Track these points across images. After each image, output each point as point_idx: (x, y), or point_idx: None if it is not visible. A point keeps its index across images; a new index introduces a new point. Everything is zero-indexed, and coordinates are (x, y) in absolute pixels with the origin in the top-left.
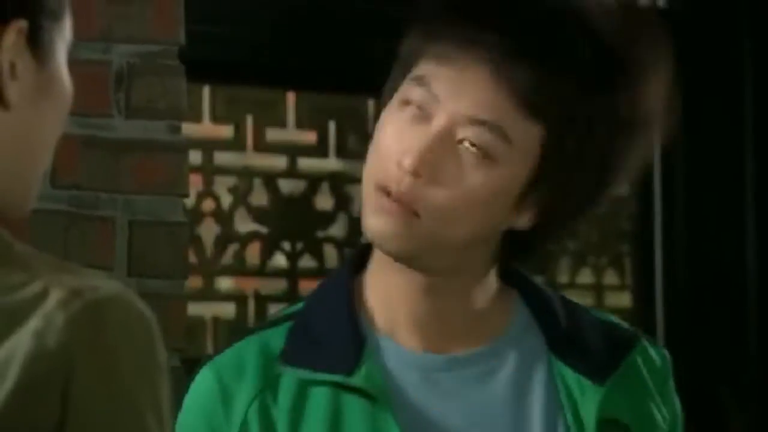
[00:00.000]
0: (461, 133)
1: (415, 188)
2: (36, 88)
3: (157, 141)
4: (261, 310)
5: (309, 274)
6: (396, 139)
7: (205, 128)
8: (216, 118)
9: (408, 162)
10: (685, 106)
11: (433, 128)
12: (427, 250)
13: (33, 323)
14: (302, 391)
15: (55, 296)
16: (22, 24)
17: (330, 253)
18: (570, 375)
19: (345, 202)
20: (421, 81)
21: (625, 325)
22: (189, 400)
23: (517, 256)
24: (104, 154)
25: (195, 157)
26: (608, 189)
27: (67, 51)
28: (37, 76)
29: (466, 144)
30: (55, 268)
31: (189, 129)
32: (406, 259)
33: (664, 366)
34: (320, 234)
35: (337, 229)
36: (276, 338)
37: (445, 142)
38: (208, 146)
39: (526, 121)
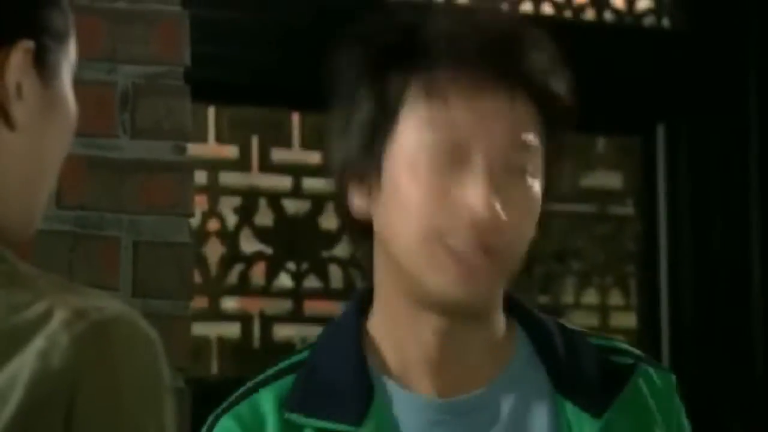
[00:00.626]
0: (503, 162)
1: (493, 233)
2: (42, 108)
3: (162, 161)
4: (266, 330)
5: (314, 294)
6: (436, 183)
7: (210, 149)
8: (221, 139)
9: (483, 217)
10: (689, 125)
11: (480, 168)
12: (499, 288)
13: (37, 344)
14: None
15: (59, 317)
16: (28, 44)
17: (335, 273)
18: (570, 408)
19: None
20: (441, 128)
21: (626, 347)
22: None
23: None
24: (109, 175)
25: (200, 177)
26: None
27: (72, 72)
28: (42, 97)
29: (508, 171)
30: (60, 289)
31: (194, 149)
32: (484, 306)
33: (667, 387)
34: (325, 254)
35: (342, 249)
36: (288, 387)
37: (497, 178)
38: (213, 166)
39: (537, 129)
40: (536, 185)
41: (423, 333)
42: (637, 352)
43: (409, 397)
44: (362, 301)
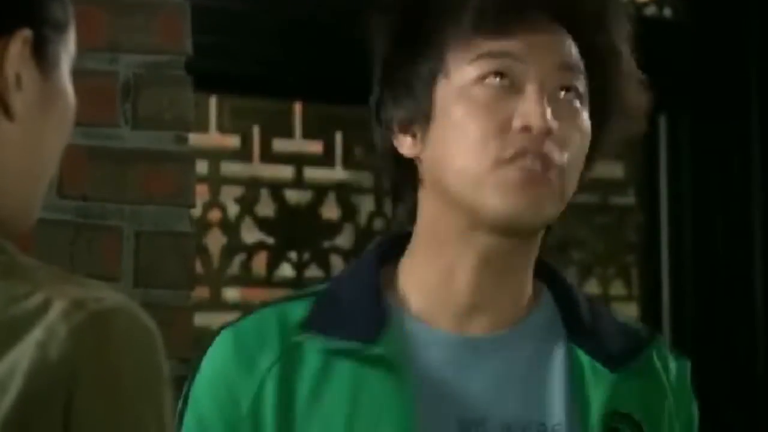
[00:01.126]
0: (557, 83)
1: (550, 144)
2: (41, 98)
3: (164, 151)
4: None
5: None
6: (496, 115)
7: (212, 138)
8: (223, 129)
9: (539, 121)
10: (692, 117)
11: (536, 86)
12: (554, 215)
13: (36, 334)
14: (325, 361)
15: (57, 307)
16: (27, 34)
17: (336, 263)
18: (586, 361)
19: (351, 212)
20: (497, 55)
21: (645, 327)
22: (207, 362)
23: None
24: (111, 165)
25: (201, 167)
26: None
27: (71, 62)
28: (41, 87)
29: (563, 92)
30: (59, 279)
31: (196, 139)
32: (536, 228)
33: (682, 376)
34: (327, 244)
35: (344, 239)
36: (297, 310)
37: (553, 98)
38: (214, 156)
39: (581, 55)
40: (585, 112)
41: (463, 267)
42: (655, 332)
43: (427, 329)
44: (384, 248)
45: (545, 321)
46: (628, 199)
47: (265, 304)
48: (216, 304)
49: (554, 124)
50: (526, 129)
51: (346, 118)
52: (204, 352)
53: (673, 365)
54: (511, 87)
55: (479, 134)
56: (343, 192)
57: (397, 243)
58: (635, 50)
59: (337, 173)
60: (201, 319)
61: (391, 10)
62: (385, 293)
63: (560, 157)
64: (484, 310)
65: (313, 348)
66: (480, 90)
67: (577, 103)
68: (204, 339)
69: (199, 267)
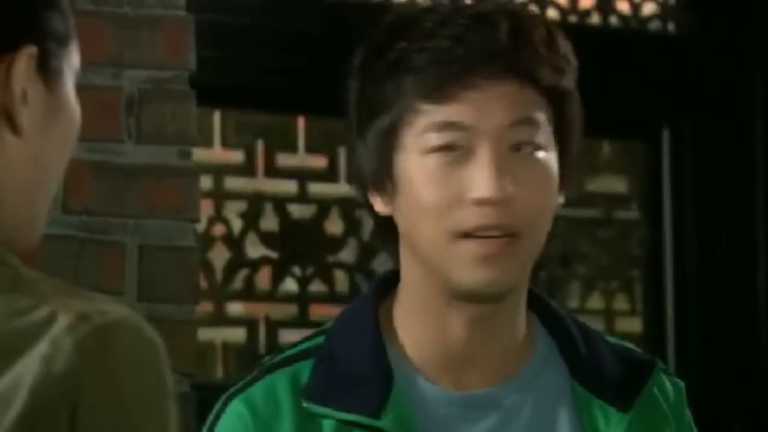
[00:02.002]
0: (508, 143)
1: (506, 213)
2: (46, 113)
3: (168, 166)
4: (271, 335)
5: (319, 298)
6: (447, 188)
7: (216, 153)
8: (226, 144)
9: (490, 192)
10: (695, 131)
11: (485, 154)
12: (526, 269)
13: (41, 348)
14: (339, 428)
15: (62, 321)
16: (32, 50)
17: (340, 277)
18: (596, 403)
19: (355, 226)
20: (444, 126)
21: (639, 351)
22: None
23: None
24: (115, 179)
25: (205, 182)
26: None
27: (75, 76)
28: (46, 101)
29: (515, 150)
30: (63, 293)
31: (199, 154)
32: (510, 290)
33: (678, 397)
34: (330, 259)
35: (348, 253)
36: (304, 373)
37: (503, 159)
38: (218, 171)
39: (543, 100)
40: (549, 158)
41: (452, 325)
42: (650, 356)
43: (428, 387)
44: (381, 288)
45: (544, 363)
46: (632, 213)
47: (269, 368)
48: (219, 318)
49: (510, 192)
50: (480, 202)
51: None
52: (207, 421)
53: (670, 390)
54: (464, 155)
55: (435, 207)
56: (347, 207)
57: (390, 277)
58: (630, 66)
59: (341, 188)
60: (204, 334)
61: (357, 73)
62: (386, 342)
63: (522, 223)
64: (480, 364)
65: (325, 415)
66: (432, 161)
67: (538, 154)
68: (207, 354)
69: (202, 281)
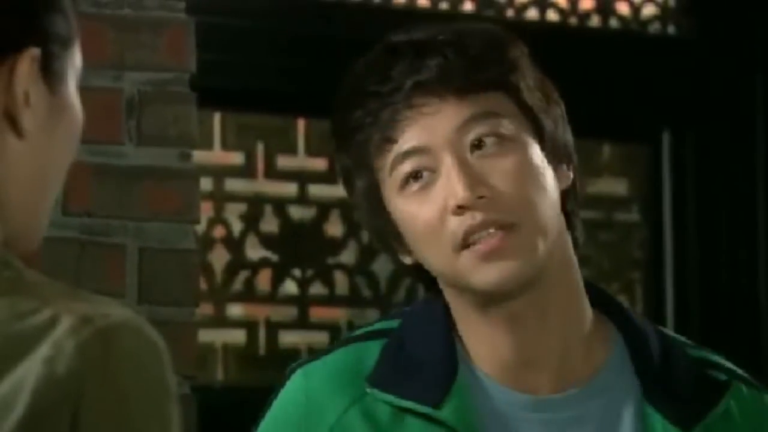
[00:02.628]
0: (466, 145)
1: (489, 208)
2: (48, 115)
3: (168, 168)
4: (272, 337)
5: (319, 300)
6: (430, 208)
7: (216, 155)
8: (227, 146)
9: (464, 196)
10: (695, 133)
11: (447, 163)
12: (540, 249)
13: (43, 350)
14: (395, 414)
15: (65, 323)
16: (35, 52)
17: (340, 279)
18: (657, 419)
19: (355, 228)
20: (406, 156)
21: (721, 362)
22: (277, 404)
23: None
24: (115, 182)
25: (206, 184)
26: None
27: (78, 77)
28: (49, 104)
29: (477, 148)
30: (66, 295)
31: (200, 156)
32: (530, 280)
33: (758, 406)
34: (330, 261)
35: (348, 255)
36: (372, 353)
37: (468, 164)
38: (218, 173)
39: (489, 94)
40: (521, 146)
41: (498, 333)
42: (732, 367)
43: (496, 388)
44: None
45: (616, 376)
46: (633, 215)
47: (341, 343)
48: (220, 320)
49: (482, 189)
50: (460, 208)
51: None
52: (277, 388)
53: (750, 401)
54: (432, 175)
55: (429, 229)
56: (348, 208)
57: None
58: (631, 69)
59: (341, 190)
60: (205, 336)
61: (334, 147)
62: (455, 338)
63: (512, 213)
64: (542, 366)
65: (383, 400)
66: (409, 193)
67: (506, 145)
68: (207, 356)
69: (203, 284)
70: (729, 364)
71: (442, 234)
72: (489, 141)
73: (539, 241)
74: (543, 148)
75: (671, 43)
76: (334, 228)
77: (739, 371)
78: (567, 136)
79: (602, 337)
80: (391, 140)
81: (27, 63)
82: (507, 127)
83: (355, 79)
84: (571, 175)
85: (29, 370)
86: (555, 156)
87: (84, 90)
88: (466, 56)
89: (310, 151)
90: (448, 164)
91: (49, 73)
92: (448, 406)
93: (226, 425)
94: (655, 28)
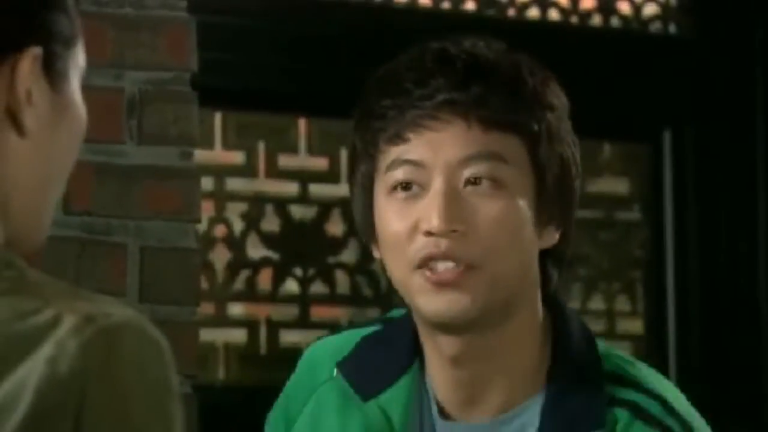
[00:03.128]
0: (461, 178)
1: (457, 244)
2: (51, 114)
3: (169, 167)
4: (273, 336)
5: (320, 299)
6: (404, 221)
7: (217, 154)
8: (228, 145)
9: (437, 224)
10: (696, 132)
11: (436, 187)
12: (491, 299)
13: (46, 350)
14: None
15: (67, 323)
16: (36, 51)
17: (341, 278)
18: None
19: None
20: (401, 163)
21: (639, 400)
22: (297, 368)
23: (555, 278)
24: (116, 181)
25: (207, 183)
26: (576, 182)
27: (81, 76)
28: (52, 102)
29: (472, 184)
30: (68, 295)
31: (201, 155)
32: (472, 319)
33: None
34: (332, 260)
35: (349, 254)
36: (354, 340)
37: (455, 194)
38: (219, 172)
39: (506, 136)
40: (512, 194)
41: (444, 360)
42: (648, 406)
43: (433, 403)
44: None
45: (531, 406)
46: (633, 214)
47: (358, 324)
48: (221, 319)
49: (460, 224)
50: (428, 233)
51: (350, 133)
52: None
53: None
54: (421, 191)
55: (396, 239)
56: (348, 207)
57: None
58: (632, 68)
59: (342, 189)
60: (206, 335)
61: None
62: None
63: (477, 255)
64: (481, 399)
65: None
66: (394, 198)
67: (498, 190)
68: (208, 355)
69: (204, 283)
70: (644, 400)
71: (406, 250)
72: (485, 183)
73: (494, 288)
74: (537, 203)
75: (672, 43)
76: (335, 227)
77: (648, 407)
78: (568, 198)
79: (541, 368)
80: (400, 140)
81: (29, 62)
82: (508, 174)
83: (396, 70)
84: (557, 237)
85: (32, 370)
86: (545, 214)
87: (85, 89)
88: (504, 92)
89: (312, 151)
90: (436, 188)
91: (52, 72)
92: (374, 403)
93: (227, 424)
94: (656, 27)
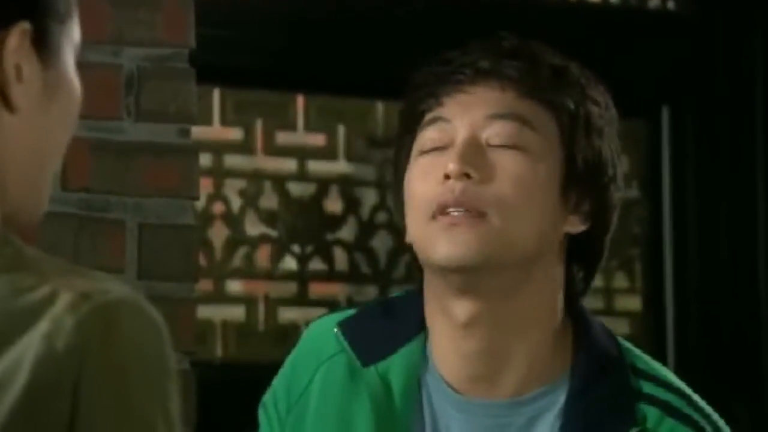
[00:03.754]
0: (485, 135)
1: (469, 189)
2: (43, 89)
3: (167, 144)
4: (271, 313)
5: (319, 276)
6: (426, 175)
7: (215, 131)
8: (226, 122)
9: (452, 166)
10: (695, 109)
11: (459, 139)
12: (501, 253)
13: (42, 326)
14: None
15: (64, 299)
16: (25, 26)
17: (339, 255)
18: None
19: (354, 204)
20: (432, 121)
21: (666, 396)
22: (296, 347)
23: (578, 279)
24: (114, 158)
25: (205, 160)
26: (617, 181)
27: (75, 53)
28: (43, 78)
29: (494, 143)
30: (65, 272)
31: (199, 132)
32: (483, 270)
33: None
34: (330, 237)
35: (347, 231)
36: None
37: (477, 146)
38: (218, 149)
39: (540, 109)
40: (532, 161)
41: (456, 343)
42: (676, 402)
43: (438, 379)
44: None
45: (551, 391)
46: (632, 192)
47: (361, 305)
48: (219, 296)
49: (471, 170)
50: (446, 177)
51: (349, 110)
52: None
53: None
54: (447, 149)
55: (417, 198)
56: (347, 184)
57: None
58: (630, 44)
59: (340, 166)
60: (204, 312)
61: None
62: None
63: (488, 205)
64: (492, 373)
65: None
66: (425, 159)
67: (519, 154)
68: (206, 332)
69: (202, 260)
70: (674, 399)
71: (425, 203)
72: (509, 143)
73: (503, 243)
74: (565, 179)
75: (671, 18)
76: (334, 204)
77: (679, 407)
78: (601, 197)
79: (561, 356)
80: (436, 103)
81: (17, 37)
82: (533, 139)
83: (456, 50)
84: (581, 228)
85: (29, 346)
86: (573, 197)
87: (82, 66)
88: (546, 71)
89: (309, 128)
90: (461, 139)
91: (44, 48)
92: (375, 368)
93: (225, 401)
94: (654, 3)
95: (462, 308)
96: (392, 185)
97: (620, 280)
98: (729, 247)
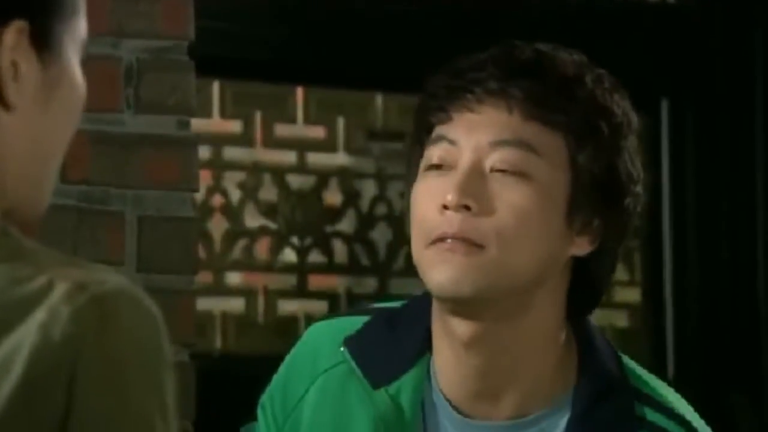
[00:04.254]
0: (489, 162)
1: (468, 221)
2: (42, 88)
3: (167, 136)
4: (270, 305)
5: (318, 269)
6: (428, 197)
7: (215, 124)
8: (225, 114)
9: (450, 198)
10: (694, 102)
11: (461, 165)
12: (497, 283)
13: (38, 316)
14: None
15: (60, 289)
16: (21, 24)
17: (339, 248)
18: None
19: (353, 197)
20: (438, 140)
21: (667, 424)
22: (291, 351)
23: (585, 297)
24: (114, 150)
25: (204, 152)
26: (635, 200)
27: (81, 49)
28: (43, 77)
29: (498, 170)
30: (62, 262)
31: (198, 124)
32: (478, 300)
33: None
34: (329, 229)
35: (346, 224)
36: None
37: (479, 174)
38: (217, 142)
39: (546, 131)
40: (537, 189)
41: (457, 361)
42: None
43: (440, 398)
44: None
45: (555, 413)
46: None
47: (354, 312)
48: (219, 288)
49: (470, 201)
50: (444, 207)
51: (348, 102)
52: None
53: None
54: (450, 171)
55: (418, 218)
56: (346, 177)
57: None
58: (630, 37)
59: (340, 158)
60: (204, 304)
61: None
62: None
63: (487, 237)
64: (493, 394)
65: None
66: (429, 177)
67: (523, 182)
68: (206, 324)
69: (201, 252)
70: (673, 427)
71: (425, 227)
72: (512, 171)
73: (500, 275)
74: (570, 205)
75: (670, 11)
76: (333, 196)
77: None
78: (613, 213)
79: (564, 377)
80: (445, 117)
81: (12, 35)
82: (538, 166)
83: (462, 59)
84: (589, 249)
85: (25, 336)
86: (579, 220)
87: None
88: (556, 89)
89: (309, 120)
90: (461, 165)
91: (42, 46)
92: (384, 392)
93: (224, 393)
94: None
95: (463, 328)
96: (404, 189)
97: (620, 273)
98: (728, 239)
